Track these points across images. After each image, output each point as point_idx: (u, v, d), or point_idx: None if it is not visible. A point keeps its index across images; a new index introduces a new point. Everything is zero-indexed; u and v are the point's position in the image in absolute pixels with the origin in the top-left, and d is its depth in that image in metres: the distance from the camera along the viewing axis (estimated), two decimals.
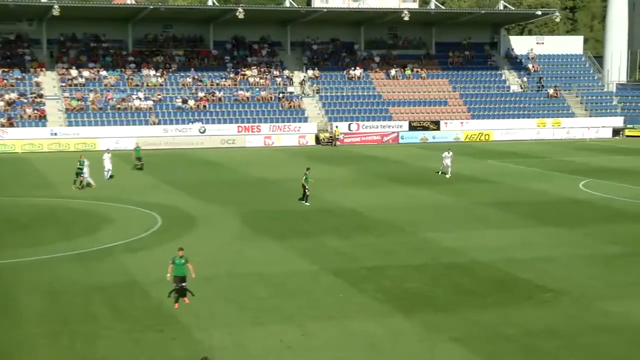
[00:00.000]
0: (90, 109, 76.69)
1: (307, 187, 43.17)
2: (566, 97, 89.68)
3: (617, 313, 24.87)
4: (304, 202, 43.10)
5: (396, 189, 49.31)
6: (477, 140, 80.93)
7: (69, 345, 22.12)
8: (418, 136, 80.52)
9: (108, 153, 54.09)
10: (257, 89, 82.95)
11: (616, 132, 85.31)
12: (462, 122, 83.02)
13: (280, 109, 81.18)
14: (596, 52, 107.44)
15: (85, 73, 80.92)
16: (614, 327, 23.57)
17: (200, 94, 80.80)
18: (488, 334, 22.99)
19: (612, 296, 26.66)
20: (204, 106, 79.53)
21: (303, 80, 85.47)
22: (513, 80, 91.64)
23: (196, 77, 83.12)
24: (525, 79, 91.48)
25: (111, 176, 52.62)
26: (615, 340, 22.50)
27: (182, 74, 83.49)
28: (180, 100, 79.71)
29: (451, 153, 54.39)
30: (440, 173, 54.44)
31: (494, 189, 49.05)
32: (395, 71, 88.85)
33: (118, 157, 66.19)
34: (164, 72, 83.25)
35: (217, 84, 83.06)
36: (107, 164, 52.80)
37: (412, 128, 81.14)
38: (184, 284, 25.49)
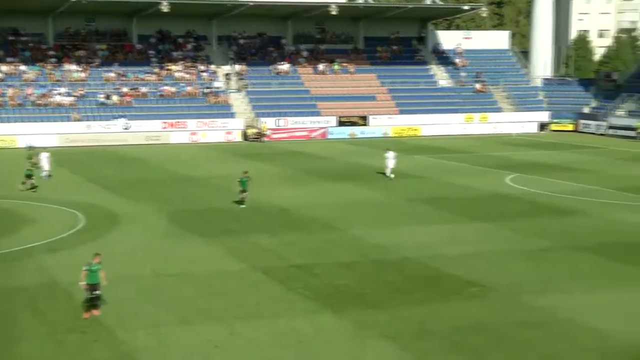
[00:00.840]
0: (8, 105, 75.13)
1: (244, 191, 41.55)
2: (493, 92, 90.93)
3: (543, 307, 25.34)
4: (241, 205, 41.73)
5: (325, 186, 49.44)
6: (406, 135, 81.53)
7: None
8: (346, 132, 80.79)
9: (46, 153, 52.96)
10: (183, 84, 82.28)
11: (542, 126, 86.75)
12: (390, 118, 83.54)
13: (207, 104, 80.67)
14: (522, 47, 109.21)
15: (4, 68, 79.31)
16: (540, 322, 24.02)
17: (124, 90, 79.84)
18: (417, 330, 23.23)
19: (539, 290, 27.16)
20: (128, 102, 78.63)
21: (228, 74, 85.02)
22: (441, 75, 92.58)
23: (120, 72, 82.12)
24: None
25: (49, 176, 51.48)
26: (541, 335, 22.92)
27: (105, 68, 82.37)
28: (104, 95, 78.62)
29: (393, 153, 52.51)
30: (389, 175, 51.74)
31: (423, 185, 49.50)
32: (323, 66, 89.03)
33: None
34: (87, 66, 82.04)
35: (142, 79, 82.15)
36: (45, 164, 51.71)
37: (340, 123, 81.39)
38: (96, 292, 24.35)
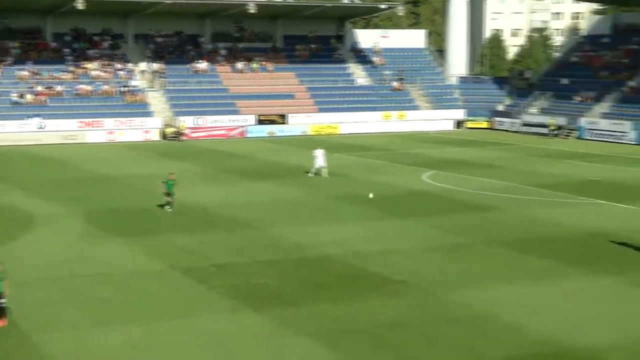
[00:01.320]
0: None
1: (169, 194, 39.62)
2: (410, 90, 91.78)
3: (459, 302, 25.68)
4: (167, 207, 39.76)
5: (244, 184, 49.27)
6: (325, 133, 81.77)
7: None
8: (265, 130, 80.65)
9: None
10: (99, 83, 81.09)
11: (458, 124, 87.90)
12: (309, 116, 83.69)
13: (124, 103, 79.68)
14: (438, 46, 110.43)
15: None
16: (457, 316, 24.34)
17: (39, 88, 78.29)
18: (338, 327, 23.30)
19: (456, 286, 27.50)
20: (43, 101, 77.15)
21: (144, 71, 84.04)
22: (359, 74, 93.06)
23: (34, 70, 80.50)
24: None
25: None
26: (458, 328, 23.23)
27: (18, 67, 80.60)
28: (17, 94, 76.98)
29: (322, 150, 51.57)
30: (312, 174, 51.14)
31: (342, 182, 49.67)
32: (242, 64, 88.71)
33: None
34: None
35: (57, 78, 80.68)
36: None
37: (259, 122, 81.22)
38: (2, 301, 23.21)
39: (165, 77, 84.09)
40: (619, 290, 27.09)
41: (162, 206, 40.05)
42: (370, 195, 43.17)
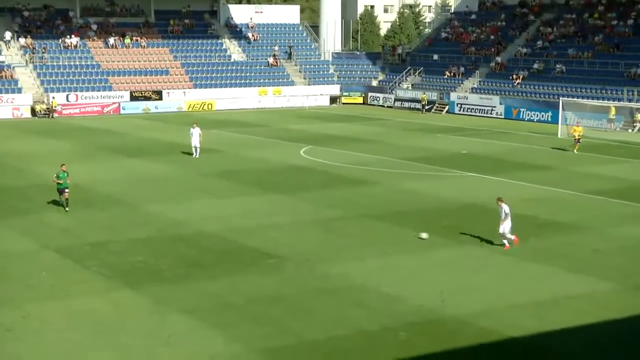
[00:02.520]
0: None
1: (64, 189, 34.60)
2: (285, 66, 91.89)
3: (336, 275, 26.04)
4: (66, 207, 34.82)
5: (118, 161, 48.52)
6: (201, 109, 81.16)
7: None
8: (140, 106, 79.43)
9: None
10: None
11: (333, 99, 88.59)
12: (184, 92, 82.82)
13: None
14: (312, 21, 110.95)
15: None
16: (334, 289, 24.70)
17: None
18: (216, 303, 23.33)
19: (333, 259, 27.87)
20: None
21: (8, 41, 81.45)
22: (234, 49, 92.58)
23: None
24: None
25: None
26: (335, 301, 23.58)
27: None
28: None
29: (199, 130, 49.74)
30: (197, 155, 49.55)
31: (218, 159, 49.47)
32: (114, 40, 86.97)
33: None
34: None
35: None
36: None
37: (133, 98, 79.91)
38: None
39: (39, 53, 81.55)
40: (490, 259, 27.96)
41: (60, 204, 35.11)
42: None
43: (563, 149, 53.60)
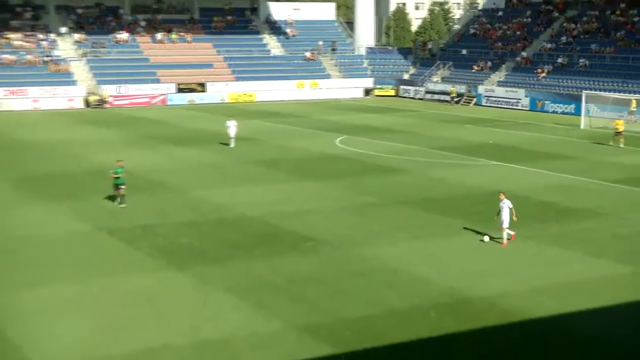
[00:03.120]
0: None
1: (120, 185, 32.97)
2: (322, 60, 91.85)
3: (370, 258, 26.13)
4: (117, 203, 33.25)
5: (166, 150, 48.89)
6: (242, 101, 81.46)
7: None
8: (185, 98, 79.92)
9: None
10: (23, 53, 79.01)
11: (367, 92, 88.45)
12: (227, 84, 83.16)
13: (48, 72, 77.88)
14: (347, 18, 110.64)
15: None
16: (367, 271, 24.78)
17: None
18: (257, 283, 23.52)
19: (367, 243, 27.94)
20: None
21: (64, 35, 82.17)
22: (273, 44, 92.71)
23: None
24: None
25: None
26: (368, 282, 23.66)
27: None
28: None
29: (235, 122, 50.01)
30: (230, 144, 49.48)
31: (259, 147, 49.66)
32: (162, 35, 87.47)
33: None
34: None
35: None
36: None
37: (179, 90, 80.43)
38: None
39: (87, 47, 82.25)
40: (514, 243, 27.86)
41: (113, 199, 33.74)
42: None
43: (604, 144, 51.80)
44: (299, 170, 42.03)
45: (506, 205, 27.52)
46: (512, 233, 27.92)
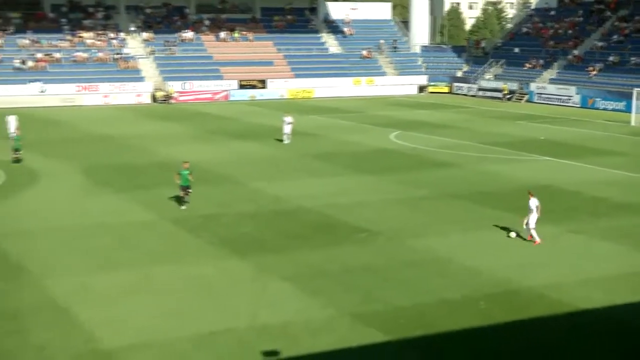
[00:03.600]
0: None
1: (187, 187, 31.26)
2: (378, 58, 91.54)
3: (422, 249, 26.04)
4: (181, 205, 31.63)
5: (228, 143, 49.24)
6: (300, 97, 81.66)
7: None
8: (247, 94, 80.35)
9: (12, 116, 50.74)
10: (94, 50, 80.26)
11: (421, 89, 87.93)
12: (286, 81, 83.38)
13: (117, 69, 79.00)
14: (403, 17, 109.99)
15: None
16: (420, 261, 24.72)
17: (39, 55, 77.39)
18: (313, 272, 23.60)
19: (419, 234, 27.85)
20: (43, 67, 76.36)
21: (133, 33, 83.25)
22: (331, 43, 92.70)
23: (34, 39, 79.49)
24: (382, 41, 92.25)
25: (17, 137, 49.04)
26: (420, 272, 23.61)
27: (19, 35, 79.56)
28: (19, 60, 76.06)
29: (291, 118, 49.14)
30: (288, 140, 48.57)
31: (316, 142, 49.74)
32: (224, 34, 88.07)
33: None
34: (1, 34, 79.11)
35: (55, 46, 79.74)
36: (12, 127, 49.55)
37: (241, 86, 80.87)
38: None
39: (154, 45, 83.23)
40: (563, 236, 27.55)
41: (179, 201, 32.06)
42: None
43: None
44: (355, 163, 42.00)
45: (534, 204, 26.73)
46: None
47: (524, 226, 26.87)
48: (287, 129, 49.01)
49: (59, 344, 18.25)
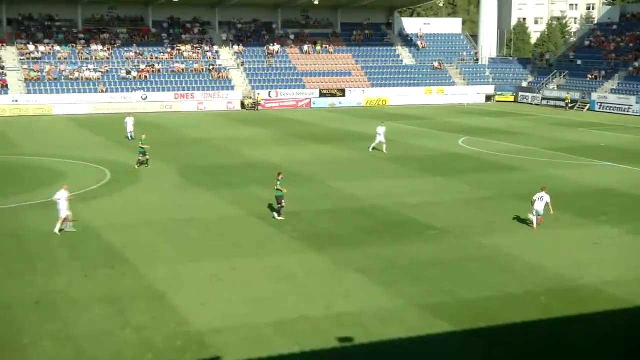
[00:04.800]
0: (46, 79, 74.39)
1: (280, 198, 29.20)
2: (448, 69, 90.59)
3: (488, 245, 25.57)
4: (275, 215, 29.43)
5: (309, 146, 49.35)
6: (376, 105, 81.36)
7: (31, 280, 21.74)
8: (327, 102, 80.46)
9: (130, 117, 52.92)
10: (191, 62, 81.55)
11: (488, 98, 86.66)
12: (363, 90, 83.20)
13: (211, 79, 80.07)
14: (472, 31, 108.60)
15: (42, 48, 78.31)
16: (485, 257, 24.28)
17: (142, 66, 79.05)
18: (385, 265, 23.40)
19: (485, 232, 27.37)
20: (146, 77, 77.95)
21: (224, 42, 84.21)
22: (405, 55, 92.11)
23: (138, 51, 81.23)
24: (465, 53, 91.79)
25: (132, 137, 50.73)
26: (485, 267, 23.18)
27: (125, 49, 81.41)
28: (125, 71, 77.85)
29: (384, 128, 47.15)
30: (371, 149, 46.54)
31: (390, 146, 49.30)
32: (308, 47, 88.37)
33: (71, 121, 64.68)
34: (110, 47, 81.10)
35: (156, 58, 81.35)
36: (130, 127, 51.84)
37: (322, 95, 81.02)
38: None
39: (244, 57, 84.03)
40: (622, 237, 26.71)
41: (273, 210, 29.94)
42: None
43: None
44: (425, 166, 41.59)
45: (544, 199, 27.33)
46: (539, 220, 27.73)
47: (533, 214, 27.63)
48: (382, 137, 46.27)
49: (154, 326, 18.48)
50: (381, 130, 46.85)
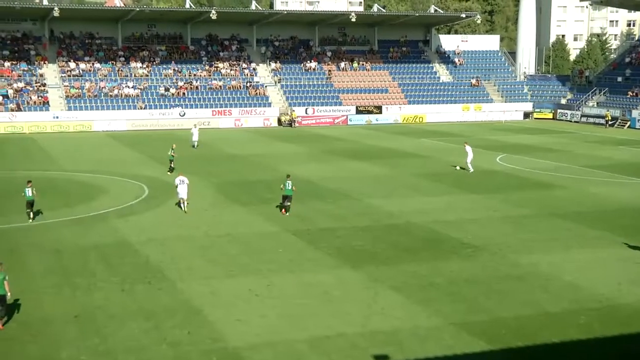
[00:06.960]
0: (86, 96, 75.59)
1: (286, 197, 32.35)
2: (486, 86, 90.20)
3: (525, 264, 25.30)
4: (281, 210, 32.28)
5: (345, 163, 49.36)
6: (413, 122, 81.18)
7: (70, 295, 22.00)
8: (364, 119, 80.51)
9: (196, 127, 57.15)
10: (228, 79, 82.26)
11: (526, 115, 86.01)
12: (400, 107, 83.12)
13: (248, 95, 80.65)
14: (510, 48, 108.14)
15: (82, 65, 79.63)
16: (522, 275, 24.01)
17: (180, 83, 79.93)
18: (421, 282, 23.26)
19: (522, 250, 27.09)
20: (184, 93, 78.78)
21: (263, 60, 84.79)
22: (442, 72, 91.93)
23: (176, 68, 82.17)
24: (513, 67, 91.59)
25: (197, 145, 55.72)
26: (523, 286, 22.92)
27: (164, 66, 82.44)
28: (163, 88, 78.78)
29: (470, 147, 45.81)
30: (458, 168, 46.32)
31: (426, 163, 49.28)
32: (345, 64, 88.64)
33: (110, 137, 65.53)
34: (149, 64, 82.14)
35: (194, 75, 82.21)
36: (195, 136, 56.25)
37: (358, 112, 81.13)
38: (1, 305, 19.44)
39: (281, 74, 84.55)
40: None
41: (280, 207, 32.94)
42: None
43: None
44: (461, 183, 41.33)
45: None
46: None
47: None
48: (469, 158, 45.25)
49: (190, 342, 18.58)
50: (469, 149, 45.35)
